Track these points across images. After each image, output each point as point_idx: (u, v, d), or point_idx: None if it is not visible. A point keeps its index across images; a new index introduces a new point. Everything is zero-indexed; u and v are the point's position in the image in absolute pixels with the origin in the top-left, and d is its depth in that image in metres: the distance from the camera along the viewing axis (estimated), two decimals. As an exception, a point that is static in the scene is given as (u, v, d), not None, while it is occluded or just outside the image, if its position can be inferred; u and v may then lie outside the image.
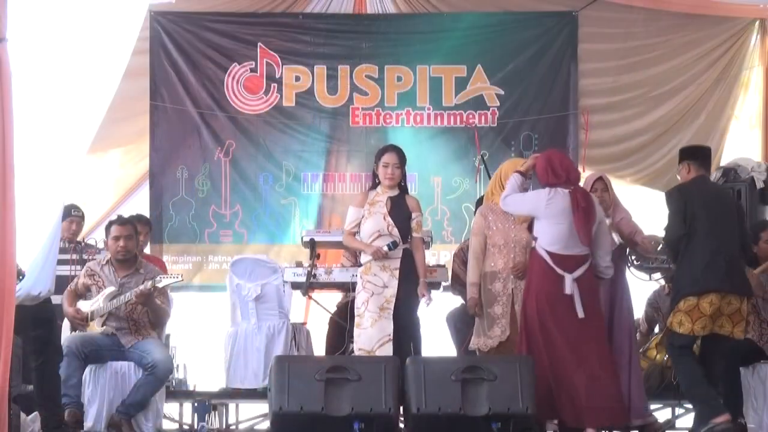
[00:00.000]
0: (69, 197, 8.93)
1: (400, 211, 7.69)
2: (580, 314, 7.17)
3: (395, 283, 7.58)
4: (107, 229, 8.13)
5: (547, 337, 7.20)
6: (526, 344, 7.25)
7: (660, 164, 10.60)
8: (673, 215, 7.38)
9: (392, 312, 7.53)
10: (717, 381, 7.39)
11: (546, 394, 7.05)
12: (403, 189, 7.80)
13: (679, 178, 7.68)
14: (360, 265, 7.80)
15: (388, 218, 7.64)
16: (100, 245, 8.84)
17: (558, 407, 7.15)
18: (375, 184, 7.82)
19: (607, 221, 7.77)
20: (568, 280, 7.19)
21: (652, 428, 7.77)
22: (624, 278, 7.99)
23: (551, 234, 7.28)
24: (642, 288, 9.20)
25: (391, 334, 7.48)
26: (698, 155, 7.67)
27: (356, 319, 7.61)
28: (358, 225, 7.73)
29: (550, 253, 7.26)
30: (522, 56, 10.72)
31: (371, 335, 7.49)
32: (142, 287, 7.78)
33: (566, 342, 7.17)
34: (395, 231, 7.63)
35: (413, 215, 7.71)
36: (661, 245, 8.68)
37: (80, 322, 7.91)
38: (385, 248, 7.56)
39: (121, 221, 8.12)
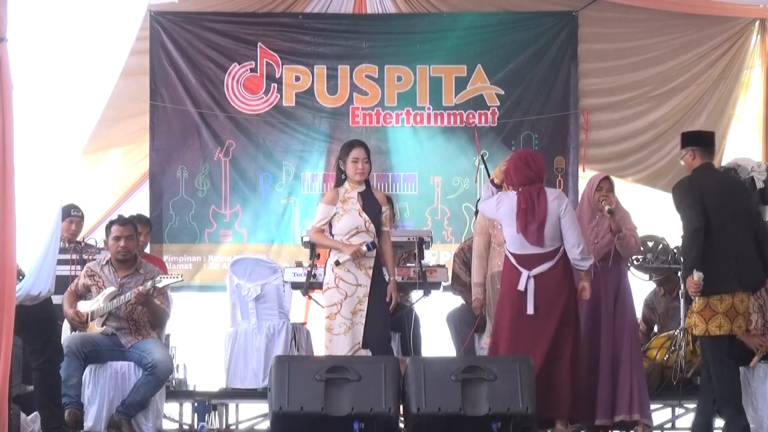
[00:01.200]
0: (69, 197, 8.93)
1: (373, 206, 7.64)
2: (530, 311, 7.24)
3: (368, 282, 7.53)
4: (107, 229, 8.14)
5: (516, 333, 7.29)
6: (503, 344, 7.33)
7: (660, 164, 10.60)
8: (687, 209, 7.25)
9: (365, 313, 7.48)
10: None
11: None
12: (368, 184, 7.76)
13: (683, 163, 7.59)
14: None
15: (364, 214, 7.58)
16: (100, 245, 8.83)
17: None
18: (341, 181, 7.73)
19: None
20: (524, 276, 7.27)
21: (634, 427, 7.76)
22: (626, 278, 7.99)
23: (507, 235, 7.42)
24: (642, 288, 9.22)
25: (361, 341, 7.46)
26: (702, 141, 7.52)
27: (326, 321, 7.55)
28: (328, 223, 7.66)
29: (512, 254, 7.37)
30: (522, 56, 10.71)
31: (345, 343, 7.46)
32: (141, 288, 7.78)
33: (510, 338, 7.27)
34: (371, 227, 7.58)
35: (383, 209, 7.68)
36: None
37: (80, 324, 7.91)
38: (364, 248, 7.49)
39: (121, 221, 8.13)
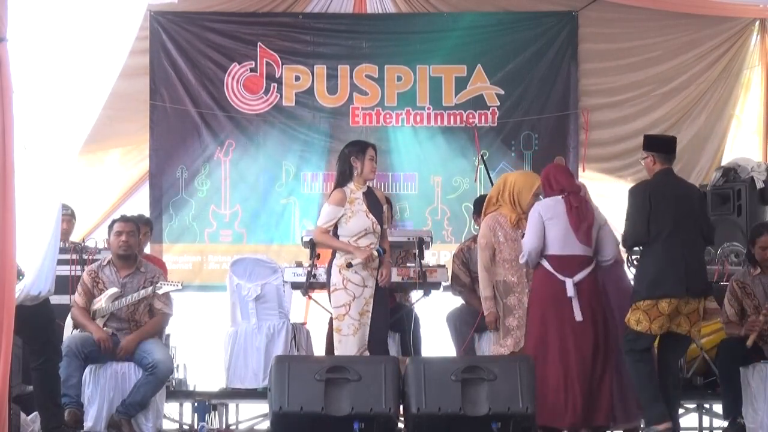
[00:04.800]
0: (69, 197, 8.92)
1: (376, 206, 7.65)
2: (578, 317, 7.25)
3: (373, 283, 7.57)
4: (110, 227, 8.17)
5: (549, 341, 7.30)
6: (550, 353, 7.32)
7: (660, 164, 10.59)
8: (635, 214, 7.29)
9: (371, 314, 7.53)
10: (672, 378, 7.39)
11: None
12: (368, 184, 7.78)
13: (642, 164, 7.59)
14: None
15: (371, 215, 7.59)
16: (101, 246, 8.83)
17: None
18: (346, 178, 7.65)
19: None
20: (569, 283, 7.26)
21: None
22: (625, 279, 7.96)
23: (551, 237, 7.35)
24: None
25: (367, 343, 7.52)
26: (663, 147, 7.52)
27: (335, 322, 7.59)
28: (335, 224, 7.61)
29: (549, 257, 7.33)
30: (522, 56, 10.73)
31: (353, 344, 7.49)
32: (143, 292, 7.83)
33: (559, 347, 7.26)
34: (378, 227, 7.60)
35: (383, 208, 7.69)
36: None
37: (108, 345, 7.84)
38: (375, 253, 7.54)
39: (124, 218, 8.24)
